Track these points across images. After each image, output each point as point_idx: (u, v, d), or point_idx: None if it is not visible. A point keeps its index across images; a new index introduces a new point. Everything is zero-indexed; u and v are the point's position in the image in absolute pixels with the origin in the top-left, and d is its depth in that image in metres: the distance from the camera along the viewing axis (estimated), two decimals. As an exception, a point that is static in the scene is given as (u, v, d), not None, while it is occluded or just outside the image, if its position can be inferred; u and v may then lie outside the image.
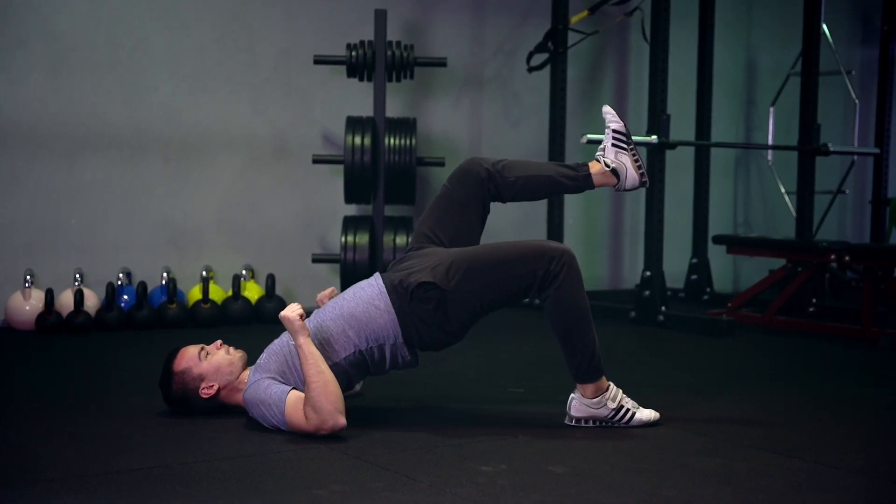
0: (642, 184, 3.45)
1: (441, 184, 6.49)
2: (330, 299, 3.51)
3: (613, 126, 3.46)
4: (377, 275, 3.37)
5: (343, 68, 5.99)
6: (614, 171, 3.43)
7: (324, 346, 3.24)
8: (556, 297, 3.22)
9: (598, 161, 3.45)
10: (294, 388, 3.19)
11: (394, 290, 3.27)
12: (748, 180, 8.05)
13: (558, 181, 3.44)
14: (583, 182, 3.45)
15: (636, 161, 3.44)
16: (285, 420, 3.15)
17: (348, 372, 3.27)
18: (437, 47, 6.57)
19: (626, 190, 3.47)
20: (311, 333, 3.25)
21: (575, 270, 3.24)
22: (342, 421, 3.11)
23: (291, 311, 3.17)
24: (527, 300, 3.35)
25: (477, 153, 6.79)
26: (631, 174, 3.43)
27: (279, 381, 3.22)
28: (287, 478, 2.78)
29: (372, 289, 3.31)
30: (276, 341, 3.34)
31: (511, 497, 2.65)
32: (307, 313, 3.23)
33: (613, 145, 3.44)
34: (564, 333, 3.27)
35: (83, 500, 2.58)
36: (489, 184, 3.43)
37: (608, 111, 3.50)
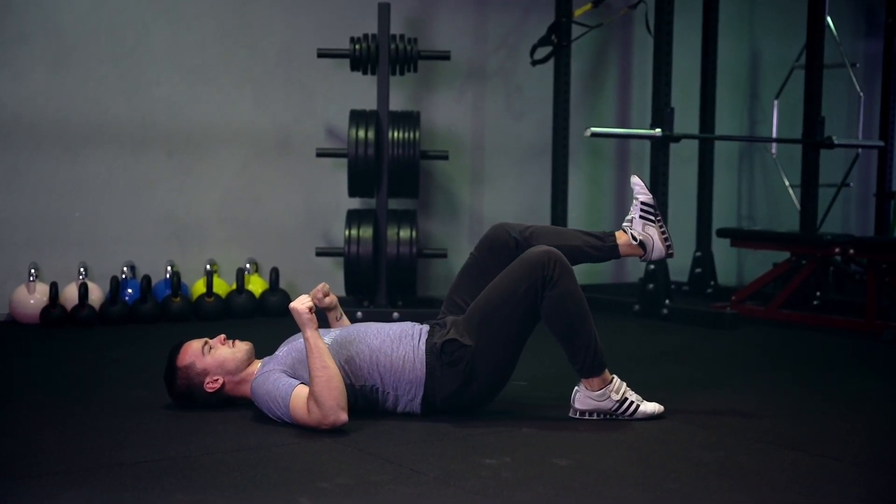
0: (668, 255, 3.50)
1: (445, 177, 6.56)
2: (324, 296, 3.50)
3: (642, 198, 3.49)
4: (426, 328, 3.39)
5: (346, 62, 5.99)
6: (641, 244, 3.46)
7: (347, 364, 3.27)
8: (553, 298, 3.24)
9: (624, 232, 3.49)
10: (302, 383, 3.20)
11: (431, 351, 3.31)
12: (752, 173, 8.03)
13: (585, 251, 3.47)
14: (609, 253, 3.49)
15: (663, 233, 3.48)
16: (289, 412, 3.16)
17: (356, 397, 3.29)
18: (440, 41, 6.56)
19: (651, 261, 3.52)
20: (334, 342, 3.28)
21: (567, 267, 3.26)
22: (343, 417, 3.11)
23: (301, 304, 3.19)
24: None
25: (480, 147, 6.79)
26: (657, 246, 3.48)
27: (288, 375, 3.23)
28: (291, 471, 2.79)
29: (414, 343, 3.33)
30: (299, 337, 3.34)
31: (515, 489, 2.66)
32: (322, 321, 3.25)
33: (641, 217, 3.48)
34: (565, 332, 3.28)
35: (87, 492, 2.59)
36: (516, 252, 3.44)
37: (637, 182, 3.51)
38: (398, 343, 3.32)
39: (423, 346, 3.31)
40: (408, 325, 3.42)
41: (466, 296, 3.47)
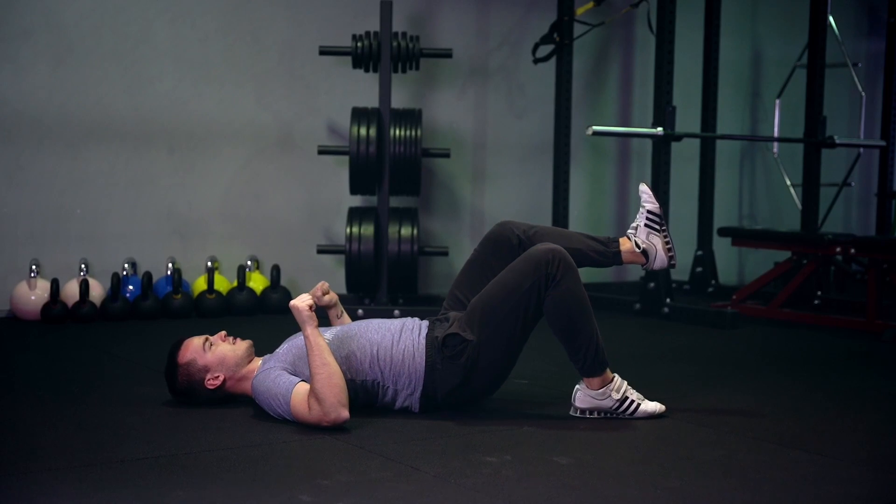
0: (671, 266, 3.51)
1: (447, 175, 6.56)
2: (323, 294, 3.50)
3: (648, 207, 3.49)
4: (426, 323, 3.40)
5: (348, 59, 5.99)
6: (644, 252, 3.47)
7: (347, 359, 3.27)
8: (556, 296, 3.24)
9: (628, 239, 3.49)
10: (303, 380, 3.20)
11: (431, 345, 3.31)
12: (753, 173, 8.03)
13: (587, 255, 3.48)
14: (612, 258, 3.50)
15: (667, 243, 3.49)
16: (290, 410, 3.16)
17: (357, 392, 3.29)
18: (442, 38, 6.56)
19: (653, 269, 3.53)
20: (335, 337, 3.28)
21: (571, 266, 3.26)
22: (344, 414, 3.11)
23: (301, 301, 3.20)
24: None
25: (482, 145, 6.79)
26: (660, 255, 3.49)
27: (289, 372, 3.24)
28: (292, 467, 2.79)
29: (414, 337, 3.33)
30: (300, 334, 3.34)
31: (515, 487, 2.66)
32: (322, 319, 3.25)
33: (646, 225, 3.49)
34: (567, 330, 3.28)
35: (88, 488, 2.59)
36: (519, 251, 3.45)
37: (645, 190, 3.52)
38: (398, 337, 3.33)
39: (423, 340, 3.32)
40: (408, 320, 3.43)
41: (468, 291, 3.48)
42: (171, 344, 3.42)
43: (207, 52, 5.97)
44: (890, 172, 7.46)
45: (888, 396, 3.92)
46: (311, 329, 3.17)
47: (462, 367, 3.29)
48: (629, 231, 3.51)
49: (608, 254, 3.48)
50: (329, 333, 3.33)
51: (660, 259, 3.49)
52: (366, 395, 3.33)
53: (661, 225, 3.49)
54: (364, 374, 3.30)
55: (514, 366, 3.41)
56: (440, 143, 6.43)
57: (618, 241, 3.49)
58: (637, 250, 3.47)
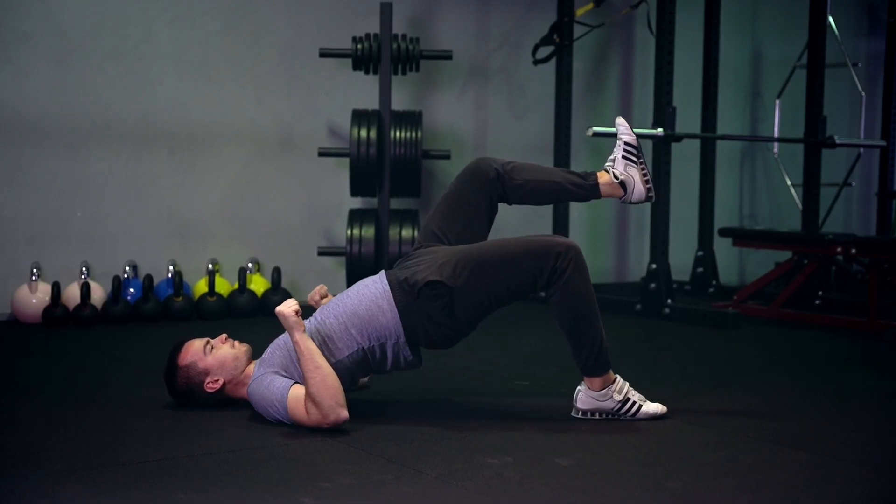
0: (648, 198, 3.47)
1: (447, 177, 6.55)
2: (321, 297, 3.51)
3: (625, 139, 3.46)
4: (382, 272, 3.37)
5: (348, 61, 5.99)
6: (622, 184, 3.44)
7: (326, 343, 3.24)
8: (563, 292, 3.23)
9: (606, 172, 3.46)
10: (297, 383, 3.19)
11: (399, 287, 3.27)
12: (754, 173, 8.03)
13: (566, 188, 3.45)
14: (590, 191, 3.46)
15: (644, 175, 3.45)
16: (288, 415, 3.15)
17: (351, 369, 3.27)
18: (442, 40, 6.56)
19: (631, 203, 3.48)
20: (314, 331, 3.26)
21: (581, 265, 3.24)
22: (344, 414, 3.11)
23: (287, 307, 3.17)
24: (532, 294, 3.35)
25: (482, 146, 6.79)
26: (638, 188, 3.45)
27: (282, 376, 3.23)
28: (293, 470, 2.79)
29: (376, 286, 3.31)
30: (280, 336, 3.34)
31: (517, 489, 2.66)
32: (306, 312, 3.23)
33: (624, 157, 3.45)
34: (571, 328, 3.27)
35: (89, 491, 2.59)
36: (497, 184, 3.43)
37: (621, 122, 3.49)
38: (357, 296, 3.29)
39: (386, 286, 3.28)
40: (364, 280, 3.39)
41: (444, 226, 3.42)
42: (171, 346, 3.42)
43: (208, 53, 5.97)
44: (890, 172, 7.45)
45: (890, 396, 3.91)
46: (298, 334, 3.16)
47: (440, 308, 3.24)
48: (607, 164, 3.47)
49: (587, 186, 3.44)
50: (309, 326, 3.29)
51: (637, 191, 3.44)
52: (359, 367, 3.29)
53: (638, 157, 3.45)
54: (347, 349, 3.25)
55: (478, 325, 3.36)
56: (440, 145, 6.44)
57: (595, 175, 3.45)
58: (615, 181, 3.43)
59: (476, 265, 3.25)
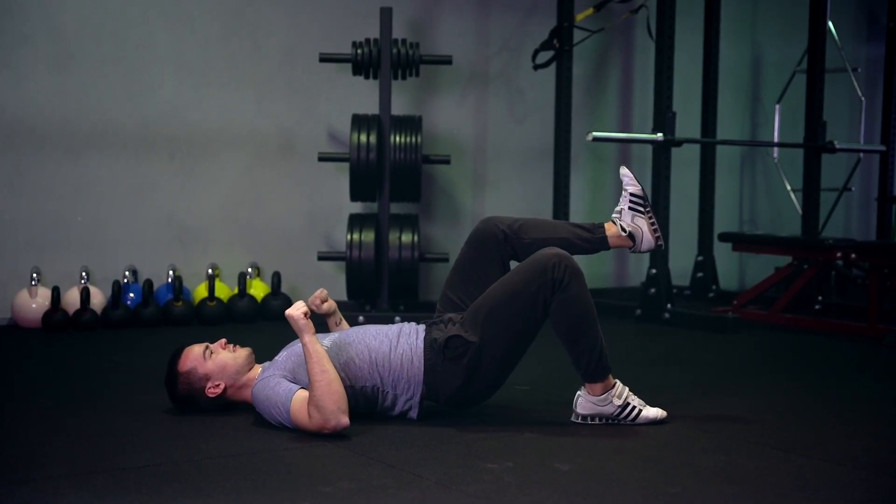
0: (658, 246, 3.50)
1: (447, 181, 6.56)
2: (321, 301, 3.51)
3: (631, 189, 3.48)
4: (423, 328, 3.40)
5: (348, 66, 5.99)
6: (631, 235, 3.46)
7: (345, 366, 3.27)
8: (562, 301, 3.24)
9: (614, 224, 3.48)
10: (302, 388, 3.20)
11: (430, 347, 3.31)
12: (754, 178, 8.04)
13: (574, 243, 3.47)
14: (598, 244, 3.49)
15: (652, 224, 3.47)
16: (290, 418, 3.16)
17: (357, 399, 3.29)
18: (442, 45, 6.56)
19: (640, 252, 3.51)
20: (333, 344, 3.28)
21: (577, 271, 3.26)
22: (345, 420, 3.11)
23: (296, 310, 3.19)
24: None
25: (482, 151, 6.79)
26: (647, 237, 3.48)
27: (289, 380, 3.23)
28: (294, 475, 2.79)
29: (412, 342, 3.34)
30: (297, 341, 3.34)
31: (517, 494, 2.66)
32: (319, 326, 3.25)
33: (630, 208, 3.48)
34: (571, 335, 3.27)
35: (90, 497, 2.59)
36: (506, 245, 3.47)
37: (626, 174, 3.51)
38: (396, 342, 3.33)
39: (421, 344, 3.32)
40: (406, 325, 3.43)
41: (461, 292, 3.47)
42: (171, 352, 3.42)
43: (208, 58, 5.97)
44: (890, 177, 7.46)
45: (889, 401, 3.92)
46: (308, 337, 3.17)
47: (464, 369, 3.28)
48: (614, 215, 3.50)
49: (594, 240, 3.47)
50: (327, 340, 3.33)
51: (647, 241, 3.47)
52: (365, 401, 3.33)
53: (645, 207, 3.47)
54: (363, 381, 3.30)
55: (516, 368, 3.40)
56: (440, 150, 6.44)
57: (603, 227, 3.48)
58: (623, 234, 3.46)
59: (489, 312, 3.29)
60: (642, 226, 3.47)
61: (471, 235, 3.54)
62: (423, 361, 3.30)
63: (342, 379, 3.19)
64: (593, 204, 7.23)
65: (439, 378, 3.30)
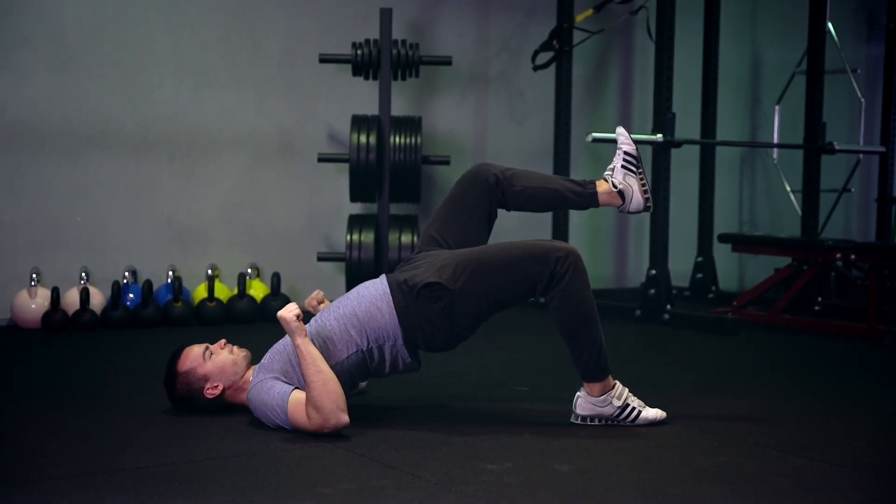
0: (646, 208, 3.48)
1: (447, 182, 6.55)
2: (318, 303, 3.51)
3: (625, 148, 3.47)
4: (383, 276, 3.39)
5: (348, 67, 6.00)
6: (621, 193, 3.45)
7: (326, 345, 3.25)
8: (562, 297, 3.23)
9: (605, 180, 3.47)
10: (297, 388, 3.19)
11: (398, 289, 3.27)
12: (753, 179, 8.04)
13: (564, 195, 3.46)
14: (588, 199, 3.46)
15: (643, 185, 3.46)
16: (288, 420, 3.15)
17: (350, 372, 3.27)
18: (442, 46, 6.57)
19: (629, 212, 3.49)
20: (314, 333, 3.26)
21: (581, 270, 3.25)
22: (344, 418, 3.11)
23: (288, 312, 3.18)
24: (531, 298, 3.36)
25: (482, 151, 6.79)
26: (636, 197, 3.45)
27: (282, 381, 3.23)
28: (293, 476, 2.78)
29: (376, 288, 3.32)
30: (279, 341, 3.35)
31: (516, 495, 2.65)
32: (305, 317, 3.23)
33: (623, 167, 3.46)
34: (571, 333, 3.27)
35: (89, 497, 2.59)
36: (496, 190, 3.45)
37: (621, 132, 3.50)
38: (357, 298, 3.31)
39: (385, 287, 3.29)
40: (364, 283, 3.41)
41: (445, 231, 3.44)
42: (171, 352, 3.42)
43: (208, 58, 5.98)
44: (890, 178, 7.45)
45: (889, 402, 3.91)
46: (300, 339, 3.16)
47: (439, 311, 3.25)
48: (606, 173, 3.48)
49: (585, 194, 3.45)
50: (310, 329, 3.30)
51: (636, 201, 3.46)
52: (358, 370, 3.28)
53: (637, 166, 3.46)
54: (346, 350, 3.26)
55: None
56: (440, 150, 6.44)
57: (594, 183, 3.46)
58: (613, 190, 3.44)
59: (476, 269, 3.25)
60: (633, 185, 3.45)
61: (463, 176, 3.51)
62: (392, 305, 3.26)
63: (329, 364, 3.17)
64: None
65: (413, 319, 3.25)
